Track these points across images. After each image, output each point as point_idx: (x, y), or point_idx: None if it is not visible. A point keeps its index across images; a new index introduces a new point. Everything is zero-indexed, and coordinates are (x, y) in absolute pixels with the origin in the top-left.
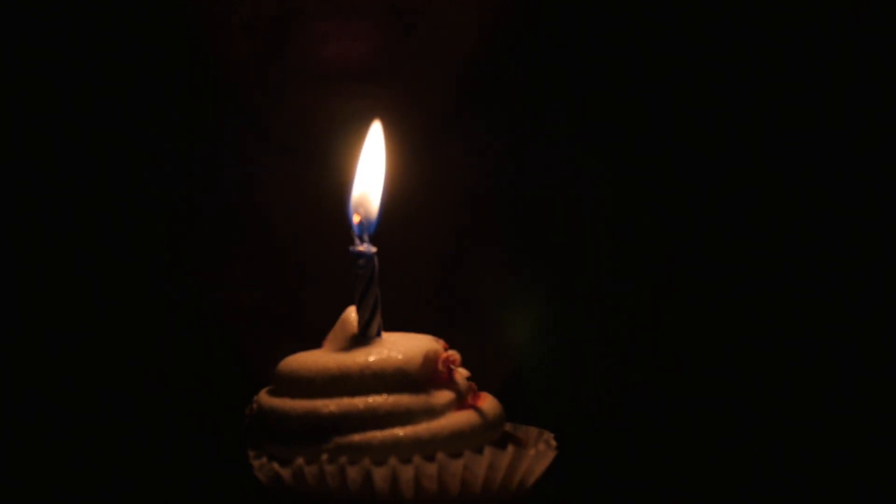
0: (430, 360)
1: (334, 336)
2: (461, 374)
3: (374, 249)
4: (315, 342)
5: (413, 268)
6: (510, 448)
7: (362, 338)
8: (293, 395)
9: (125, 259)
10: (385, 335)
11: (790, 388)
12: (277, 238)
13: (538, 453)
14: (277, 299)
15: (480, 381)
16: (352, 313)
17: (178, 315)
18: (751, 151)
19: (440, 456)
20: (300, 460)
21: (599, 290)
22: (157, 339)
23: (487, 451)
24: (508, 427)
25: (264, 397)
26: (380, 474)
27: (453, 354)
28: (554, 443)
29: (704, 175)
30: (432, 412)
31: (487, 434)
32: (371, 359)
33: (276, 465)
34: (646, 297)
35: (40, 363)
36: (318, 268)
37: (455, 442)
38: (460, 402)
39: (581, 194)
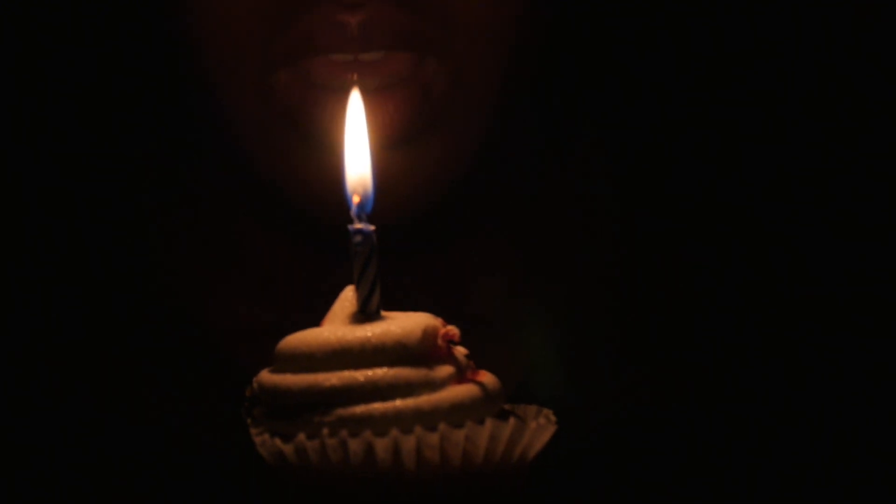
0: (429, 335)
1: (333, 314)
2: (460, 350)
3: (371, 227)
4: None
5: (414, 275)
6: (511, 420)
7: (361, 315)
8: (294, 371)
9: (120, 264)
10: (384, 313)
11: (807, 396)
12: (274, 247)
13: (539, 427)
14: (272, 311)
15: None
16: (350, 291)
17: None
18: (756, 151)
19: (442, 426)
20: (301, 435)
21: (606, 293)
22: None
23: (489, 422)
24: (507, 406)
25: (265, 375)
26: (381, 445)
27: (452, 329)
28: (554, 418)
29: (710, 176)
30: (433, 385)
31: (488, 407)
32: (371, 333)
33: (278, 441)
34: (653, 301)
35: (33, 375)
36: (314, 280)
37: (456, 414)
38: (460, 377)
39: (587, 196)
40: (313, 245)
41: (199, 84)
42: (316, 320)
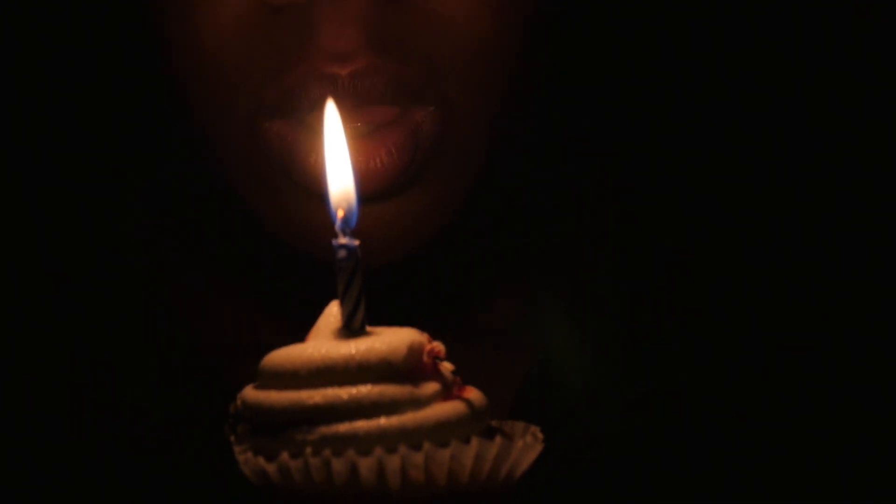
0: (414, 351)
1: (318, 330)
2: (446, 367)
3: (356, 242)
4: None
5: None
6: (498, 439)
7: (346, 330)
8: (277, 388)
9: (111, 279)
10: (369, 329)
11: (819, 410)
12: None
13: (526, 445)
14: (264, 329)
15: None
16: (334, 307)
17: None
18: (760, 156)
19: (427, 445)
20: (285, 454)
21: (611, 308)
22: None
23: (475, 441)
24: (494, 423)
25: (249, 391)
26: (366, 465)
27: (437, 345)
28: (541, 435)
29: (719, 182)
30: (418, 402)
31: (474, 424)
32: (355, 350)
33: (261, 460)
34: (659, 316)
35: (21, 386)
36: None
37: (441, 432)
38: (446, 394)
39: (590, 208)
40: (305, 270)
41: (190, 125)
42: (303, 336)
